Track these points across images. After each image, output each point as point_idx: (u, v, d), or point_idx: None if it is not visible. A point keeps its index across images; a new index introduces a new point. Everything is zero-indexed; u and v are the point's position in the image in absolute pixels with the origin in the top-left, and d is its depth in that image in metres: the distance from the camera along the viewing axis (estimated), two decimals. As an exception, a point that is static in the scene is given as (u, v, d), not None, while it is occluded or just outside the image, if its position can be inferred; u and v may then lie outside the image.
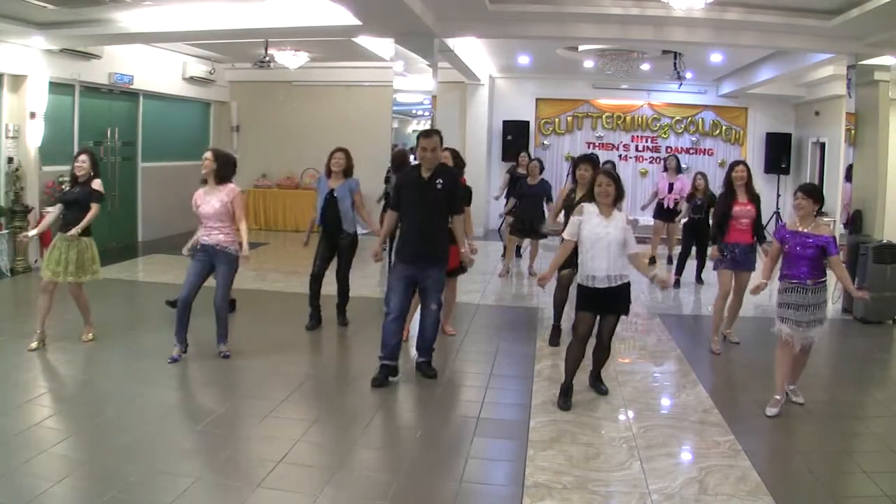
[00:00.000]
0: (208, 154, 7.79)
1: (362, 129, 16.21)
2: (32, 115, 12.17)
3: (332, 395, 7.07)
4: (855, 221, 11.46)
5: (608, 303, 6.67)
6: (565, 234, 6.78)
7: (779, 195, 17.62)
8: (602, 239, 6.51)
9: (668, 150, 18.34)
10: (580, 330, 6.76)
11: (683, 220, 12.86)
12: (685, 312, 11.08)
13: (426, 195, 7.09)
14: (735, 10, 10.31)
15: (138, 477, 5.03)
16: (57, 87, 12.74)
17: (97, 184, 8.08)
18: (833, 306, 10.89)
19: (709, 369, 8.01)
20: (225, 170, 7.77)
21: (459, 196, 7.44)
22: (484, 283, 12.21)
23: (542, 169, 13.00)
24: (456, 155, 8.62)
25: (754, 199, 8.69)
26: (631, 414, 6.59)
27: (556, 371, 7.61)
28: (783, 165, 17.71)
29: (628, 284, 6.70)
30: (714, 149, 18.86)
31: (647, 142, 19.05)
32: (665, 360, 8.40)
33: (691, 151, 18.75)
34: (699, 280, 12.70)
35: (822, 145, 16.62)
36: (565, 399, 6.74)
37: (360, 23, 10.59)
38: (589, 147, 18.73)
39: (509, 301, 11.34)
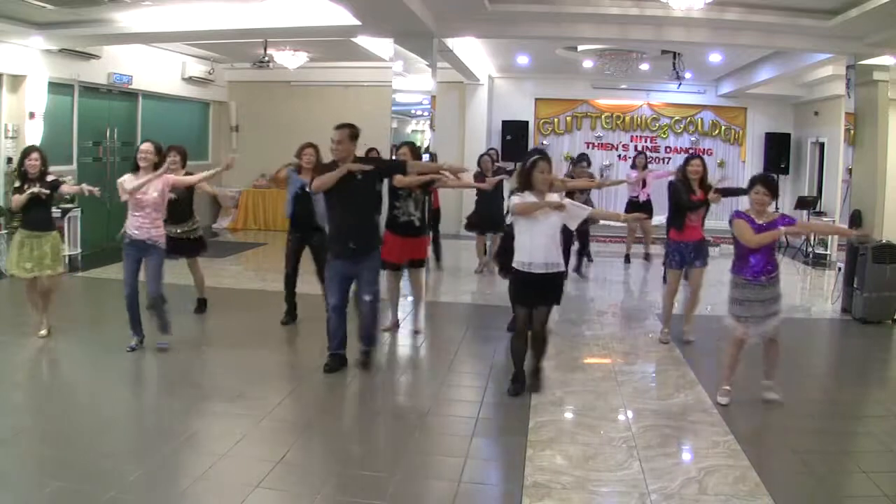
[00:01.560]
0: (149, 146, 7.76)
1: (361, 129, 16.18)
2: (32, 115, 12.17)
3: (330, 395, 7.07)
4: (854, 221, 11.47)
5: (542, 291, 6.81)
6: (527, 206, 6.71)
7: (778, 195, 17.58)
8: (540, 224, 6.63)
9: (668, 149, 18.42)
10: (518, 324, 6.98)
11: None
12: (683, 312, 11.07)
13: (346, 189, 7.13)
14: (734, 10, 10.32)
15: (138, 477, 5.03)
16: (56, 87, 12.74)
17: (51, 177, 8.15)
18: (832, 306, 10.90)
19: (707, 369, 7.98)
20: (161, 163, 7.83)
21: (388, 170, 7.75)
22: (480, 283, 12.21)
23: (493, 161, 12.93)
24: (413, 148, 8.73)
25: (711, 191, 8.69)
26: (630, 414, 6.58)
27: (555, 371, 7.61)
28: (782, 165, 17.69)
29: (562, 273, 6.88)
30: (713, 149, 18.84)
31: (646, 142, 19.03)
32: (663, 359, 8.38)
33: (690, 151, 18.71)
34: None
35: (822, 145, 16.62)
36: (514, 385, 6.97)
37: (360, 23, 10.61)
38: (588, 147, 18.75)
39: (505, 301, 11.30)
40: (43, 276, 8.15)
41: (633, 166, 14.57)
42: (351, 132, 7.31)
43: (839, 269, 11.17)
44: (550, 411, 6.57)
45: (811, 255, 15.18)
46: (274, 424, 6.21)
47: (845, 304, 10.62)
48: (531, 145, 18.48)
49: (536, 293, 6.82)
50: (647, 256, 14.37)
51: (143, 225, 7.65)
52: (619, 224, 15.43)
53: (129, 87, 14.78)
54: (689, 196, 8.56)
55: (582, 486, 5.14)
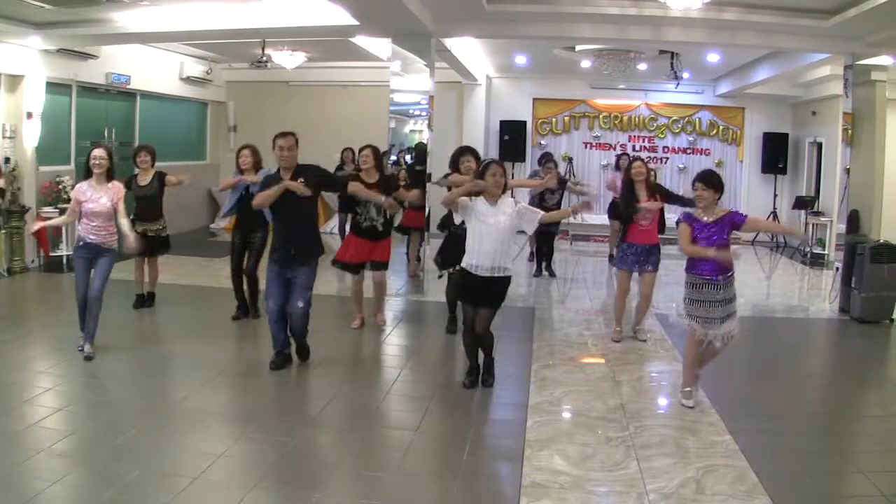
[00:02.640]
0: (102, 152, 7.82)
1: (359, 129, 16.05)
2: (29, 115, 12.14)
3: (328, 396, 7.06)
4: (852, 221, 11.47)
5: (486, 293, 6.89)
6: (452, 194, 7.06)
7: (776, 195, 17.63)
8: (490, 228, 6.74)
9: (665, 149, 18.44)
10: (466, 321, 7.15)
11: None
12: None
13: (288, 196, 7.17)
14: (732, 10, 10.30)
15: (136, 477, 5.03)
16: (54, 87, 12.71)
17: None
18: (830, 306, 10.91)
19: (706, 369, 7.99)
20: (113, 167, 7.91)
21: (326, 186, 7.88)
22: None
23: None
24: (376, 152, 8.82)
25: (656, 193, 8.66)
26: (628, 414, 6.58)
27: (554, 371, 7.62)
28: (780, 165, 17.71)
29: (509, 278, 6.97)
30: (711, 149, 18.83)
31: (644, 142, 19.02)
32: (661, 359, 8.39)
33: (688, 151, 18.74)
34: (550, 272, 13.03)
35: (819, 145, 16.63)
36: (469, 378, 7.21)
37: (358, 23, 10.58)
38: (586, 147, 18.78)
39: (506, 301, 11.30)
40: None
41: (617, 167, 14.49)
42: (296, 139, 7.38)
43: (837, 268, 11.16)
44: (548, 411, 6.58)
45: (809, 255, 15.20)
46: (273, 424, 6.21)
47: (843, 304, 10.63)
48: (529, 145, 18.55)
49: (479, 294, 6.92)
50: (611, 258, 14.37)
51: (97, 231, 7.74)
52: (603, 223, 15.45)
53: (127, 87, 14.75)
54: (626, 204, 8.59)
55: (580, 486, 5.15)
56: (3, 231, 11.72)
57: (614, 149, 18.94)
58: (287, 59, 15.09)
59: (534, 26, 11.42)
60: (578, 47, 14.29)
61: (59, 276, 11.91)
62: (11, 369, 7.34)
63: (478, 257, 6.77)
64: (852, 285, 10.30)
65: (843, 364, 8.85)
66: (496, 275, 6.79)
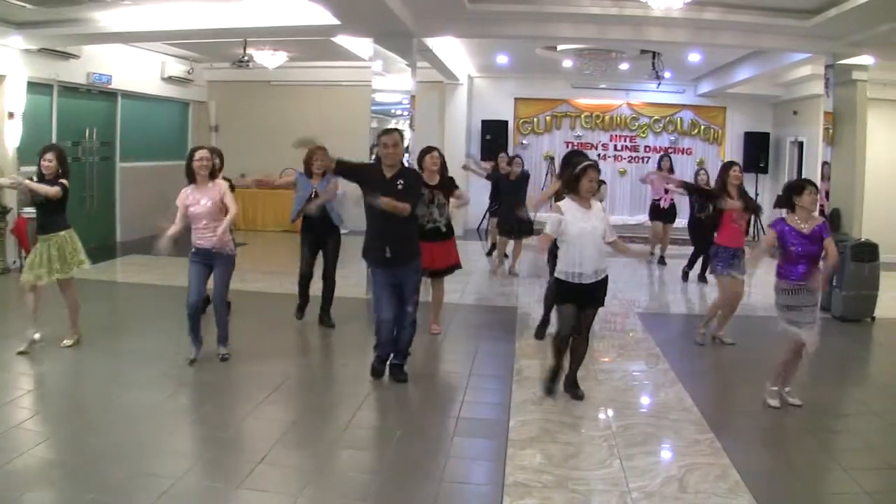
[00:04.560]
0: (207, 152, 7.63)
1: (341, 129, 16.04)
2: (10, 115, 12.07)
3: (312, 395, 7.06)
4: (833, 220, 11.53)
5: (591, 295, 6.73)
6: (547, 230, 6.75)
7: (757, 194, 17.64)
8: (588, 232, 6.57)
9: (647, 149, 18.50)
10: (566, 329, 6.79)
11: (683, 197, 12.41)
12: (665, 311, 11.11)
13: (389, 196, 6.92)
14: (713, 10, 10.35)
15: (118, 478, 5.01)
16: (35, 86, 12.65)
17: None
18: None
19: (688, 368, 8.01)
20: (216, 167, 7.71)
21: (419, 193, 7.51)
22: (465, 282, 12.20)
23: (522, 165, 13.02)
24: (443, 156, 8.76)
25: (746, 200, 8.70)
26: (610, 412, 6.60)
27: (536, 370, 7.60)
28: (761, 164, 17.80)
29: (607, 277, 6.80)
30: (692, 148, 18.96)
31: (625, 141, 19.11)
32: (644, 358, 8.40)
33: (670, 150, 18.76)
34: (703, 279, 12.61)
35: (801, 144, 16.73)
36: (554, 383, 6.94)
37: (339, 22, 10.57)
38: (567, 146, 18.76)
39: (490, 301, 11.32)
40: (51, 280, 8.03)
41: (659, 168, 14.46)
42: (401, 135, 7.22)
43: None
44: (531, 410, 6.58)
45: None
46: (256, 425, 6.20)
47: (824, 303, 10.65)
48: (511, 145, 18.57)
49: (584, 299, 6.73)
50: (661, 260, 14.28)
51: (204, 235, 7.51)
52: (634, 222, 15.56)
53: (109, 86, 14.69)
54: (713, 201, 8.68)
55: (562, 485, 5.15)
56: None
57: (596, 148, 19.03)
58: (269, 59, 15.06)
59: (515, 26, 11.44)
60: (560, 47, 14.33)
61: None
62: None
63: (582, 265, 6.58)
64: (834, 284, 10.35)
65: (825, 362, 8.85)
66: (600, 278, 6.67)
